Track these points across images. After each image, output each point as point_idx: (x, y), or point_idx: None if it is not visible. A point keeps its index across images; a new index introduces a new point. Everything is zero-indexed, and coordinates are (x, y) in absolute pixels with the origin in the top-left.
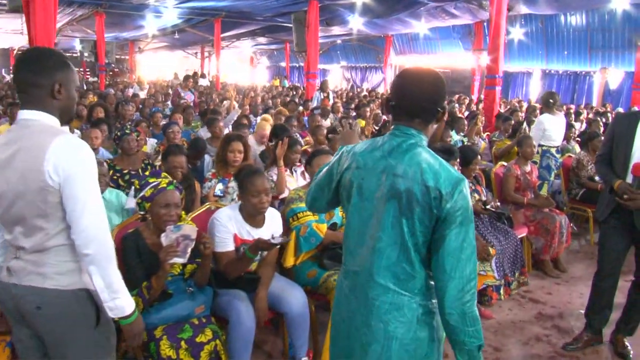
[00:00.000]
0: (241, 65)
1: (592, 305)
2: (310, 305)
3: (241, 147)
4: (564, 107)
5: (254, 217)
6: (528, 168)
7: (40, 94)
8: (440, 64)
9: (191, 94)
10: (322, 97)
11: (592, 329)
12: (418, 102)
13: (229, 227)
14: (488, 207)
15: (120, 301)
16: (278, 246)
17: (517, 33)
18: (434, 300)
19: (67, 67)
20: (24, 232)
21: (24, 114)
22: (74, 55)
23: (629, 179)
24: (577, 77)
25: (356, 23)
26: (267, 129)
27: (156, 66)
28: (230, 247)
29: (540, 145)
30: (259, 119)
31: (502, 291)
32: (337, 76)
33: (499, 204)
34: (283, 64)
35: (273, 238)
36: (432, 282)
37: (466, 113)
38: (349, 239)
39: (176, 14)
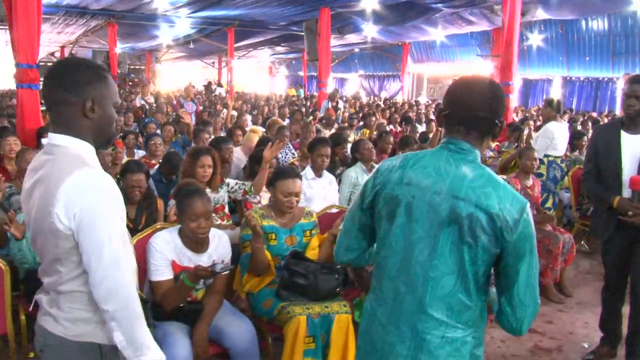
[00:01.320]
0: (260, 74)
1: (605, 321)
2: (266, 337)
3: (210, 162)
4: (583, 115)
5: (194, 241)
6: (529, 182)
7: (69, 113)
8: (458, 71)
9: (193, 104)
10: (330, 106)
11: (608, 343)
12: (476, 112)
13: (166, 253)
14: None
15: (146, 358)
16: (221, 273)
17: (536, 39)
18: (483, 330)
19: (101, 80)
20: (44, 269)
21: (52, 138)
22: None
23: (625, 193)
24: (600, 83)
25: (371, 31)
26: (255, 141)
27: (176, 76)
28: (168, 275)
29: (546, 156)
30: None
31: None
32: (355, 85)
33: None
34: (301, 73)
35: (214, 265)
36: (486, 312)
37: None
38: (389, 262)
39: (189, 23)
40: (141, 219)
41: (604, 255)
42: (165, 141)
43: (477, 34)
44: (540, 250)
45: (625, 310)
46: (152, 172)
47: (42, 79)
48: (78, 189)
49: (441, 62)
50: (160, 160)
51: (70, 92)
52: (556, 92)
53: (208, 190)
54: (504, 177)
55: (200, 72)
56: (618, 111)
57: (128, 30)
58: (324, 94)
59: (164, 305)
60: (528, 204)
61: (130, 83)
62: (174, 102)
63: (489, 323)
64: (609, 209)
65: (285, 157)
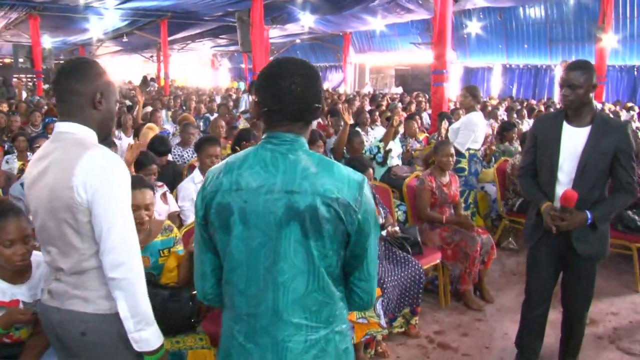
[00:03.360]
0: (202, 68)
1: (522, 336)
2: None
3: None
4: (521, 103)
5: (10, 270)
6: (446, 179)
7: (80, 103)
8: (400, 60)
9: None
10: (250, 99)
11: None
12: (302, 102)
13: None
14: (383, 232)
15: (146, 333)
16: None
17: (475, 27)
18: (346, 321)
19: (108, 77)
20: (60, 252)
21: (59, 127)
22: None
23: (559, 191)
24: (538, 71)
25: (308, 20)
26: (150, 137)
27: (115, 71)
28: None
29: (467, 149)
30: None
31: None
32: None
33: (397, 228)
34: (243, 66)
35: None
36: (344, 301)
37: (424, 114)
38: (235, 276)
39: (119, 15)
40: None
41: (528, 264)
42: None
43: (417, 23)
44: (457, 254)
45: (552, 316)
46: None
47: None
48: (94, 165)
49: (383, 52)
50: None
51: (83, 83)
52: (497, 81)
53: None
54: (419, 174)
55: (141, 66)
56: (556, 98)
57: (54, 23)
58: None
59: None
60: (366, 179)
61: None
62: None
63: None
64: (538, 214)
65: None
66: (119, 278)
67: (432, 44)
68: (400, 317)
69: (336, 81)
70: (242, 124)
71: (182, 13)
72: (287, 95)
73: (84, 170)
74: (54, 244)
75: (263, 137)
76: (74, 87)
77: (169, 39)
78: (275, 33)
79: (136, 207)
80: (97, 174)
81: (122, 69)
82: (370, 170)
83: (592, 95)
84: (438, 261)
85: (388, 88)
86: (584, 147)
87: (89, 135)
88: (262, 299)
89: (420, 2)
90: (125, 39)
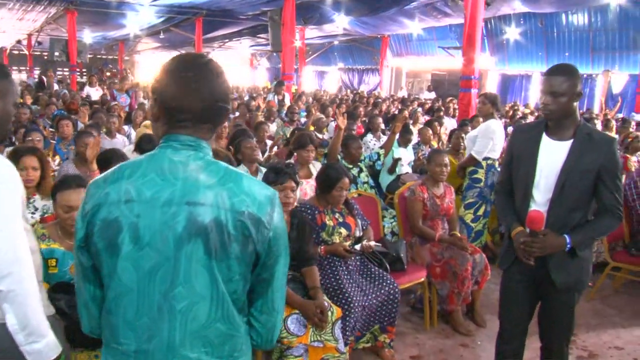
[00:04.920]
0: (242, 67)
1: None
2: None
3: (36, 163)
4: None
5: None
6: (440, 190)
7: None
8: (437, 65)
9: (127, 96)
10: (275, 99)
11: None
12: (211, 102)
13: None
14: (357, 247)
15: (38, 345)
16: None
17: (514, 33)
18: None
19: (6, 77)
20: None
21: None
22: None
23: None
24: None
25: (343, 22)
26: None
27: (155, 67)
28: None
29: (485, 159)
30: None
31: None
32: (335, 78)
33: (372, 242)
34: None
35: None
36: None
37: (452, 120)
38: (123, 305)
39: (154, 12)
40: None
41: (500, 292)
42: None
43: (455, 27)
44: (446, 272)
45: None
46: None
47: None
48: None
49: (420, 56)
50: None
51: None
52: (535, 89)
53: (37, 197)
54: (412, 183)
55: None
56: (596, 109)
57: (93, 18)
58: (287, 87)
59: None
60: (277, 194)
61: (108, 73)
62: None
63: None
64: (509, 238)
65: None
66: (4, 290)
67: (461, 49)
68: (368, 334)
69: (373, 84)
70: (278, 123)
71: (217, 11)
72: (191, 92)
73: None
74: None
75: (161, 140)
76: None
77: (206, 36)
78: (312, 34)
79: (69, 209)
80: None
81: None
82: (346, 180)
83: (576, 104)
84: (422, 279)
85: (423, 93)
86: (563, 164)
87: None
88: (155, 332)
89: (449, 5)
90: (162, 36)
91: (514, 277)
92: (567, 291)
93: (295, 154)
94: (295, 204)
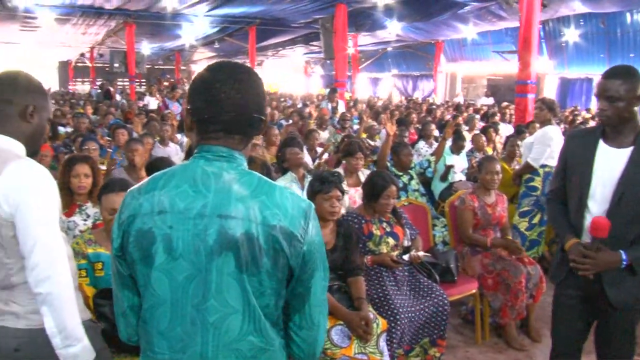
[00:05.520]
0: (296, 74)
1: None
2: None
3: (88, 171)
4: None
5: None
6: (491, 199)
7: (9, 112)
8: (493, 70)
9: (178, 105)
10: (328, 106)
11: None
12: (242, 112)
13: None
14: (405, 257)
15: (74, 349)
16: None
17: (574, 35)
18: None
19: (42, 93)
20: None
21: None
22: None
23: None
24: None
25: (395, 28)
26: None
27: None
28: None
29: (542, 166)
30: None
31: None
32: (389, 85)
33: (421, 253)
34: None
35: None
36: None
37: (508, 126)
38: (157, 315)
39: (208, 22)
40: None
41: (554, 305)
42: None
43: (511, 30)
44: (498, 284)
45: None
46: None
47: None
48: (16, 177)
49: (475, 61)
50: None
51: (15, 94)
52: None
53: (89, 204)
54: (464, 191)
55: None
56: None
57: (150, 30)
58: (340, 95)
59: None
60: (313, 206)
61: (166, 83)
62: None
63: None
64: (563, 250)
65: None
66: (44, 293)
67: (517, 53)
68: (417, 347)
69: (427, 90)
70: (330, 131)
71: (270, 20)
72: (222, 102)
73: (5, 183)
74: None
75: (195, 151)
76: (5, 95)
77: (259, 45)
78: (365, 40)
79: (113, 211)
80: (19, 186)
81: None
82: (393, 188)
83: (636, 109)
84: (474, 291)
85: (480, 99)
86: (622, 173)
87: (15, 145)
88: (189, 343)
89: (504, 8)
90: (216, 45)
91: (566, 291)
92: (626, 310)
93: (344, 161)
94: (343, 211)
